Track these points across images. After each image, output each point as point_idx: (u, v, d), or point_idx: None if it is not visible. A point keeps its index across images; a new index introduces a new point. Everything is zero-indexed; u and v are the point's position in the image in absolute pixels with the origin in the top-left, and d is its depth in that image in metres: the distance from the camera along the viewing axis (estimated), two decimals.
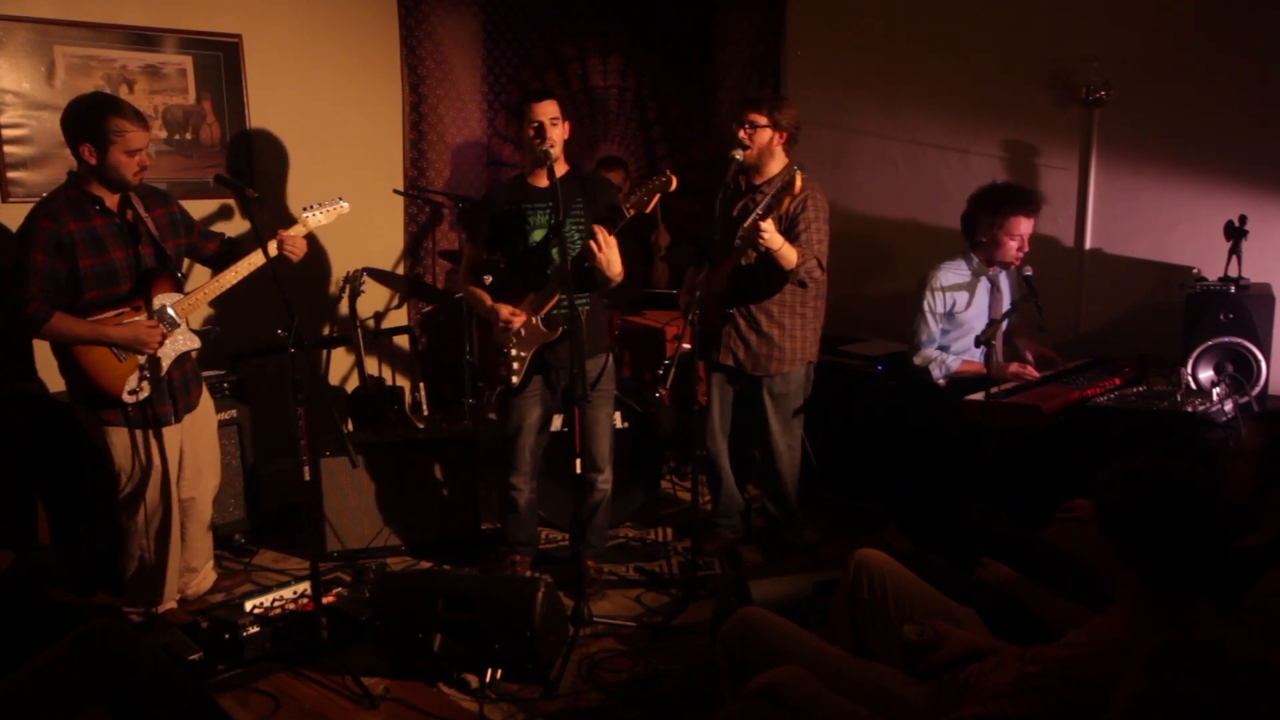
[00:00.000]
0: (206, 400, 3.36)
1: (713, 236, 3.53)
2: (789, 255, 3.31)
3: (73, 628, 2.05)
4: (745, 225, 3.36)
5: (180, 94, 4.00)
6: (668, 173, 3.19)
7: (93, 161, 2.90)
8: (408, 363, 4.87)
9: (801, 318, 3.59)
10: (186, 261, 3.39)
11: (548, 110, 3.24)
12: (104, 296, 2.95)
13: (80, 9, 3.73)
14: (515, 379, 3.38)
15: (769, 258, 3.38)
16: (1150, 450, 1.73)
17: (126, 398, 2.98)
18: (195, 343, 3.16)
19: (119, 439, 3.04)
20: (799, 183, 3.14)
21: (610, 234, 3.17)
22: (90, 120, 2.88)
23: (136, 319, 3.00)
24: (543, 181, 3.33)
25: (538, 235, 3.35)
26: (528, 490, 3.56)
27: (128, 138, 2.90)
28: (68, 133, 2.92)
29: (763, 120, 3.45)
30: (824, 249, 3.47)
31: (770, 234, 3.22)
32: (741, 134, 3.44)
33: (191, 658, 2.83)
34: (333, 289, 4.45)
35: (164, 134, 3.98)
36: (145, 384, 3.01)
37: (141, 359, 3.00)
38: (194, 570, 3.40)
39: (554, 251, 3.33)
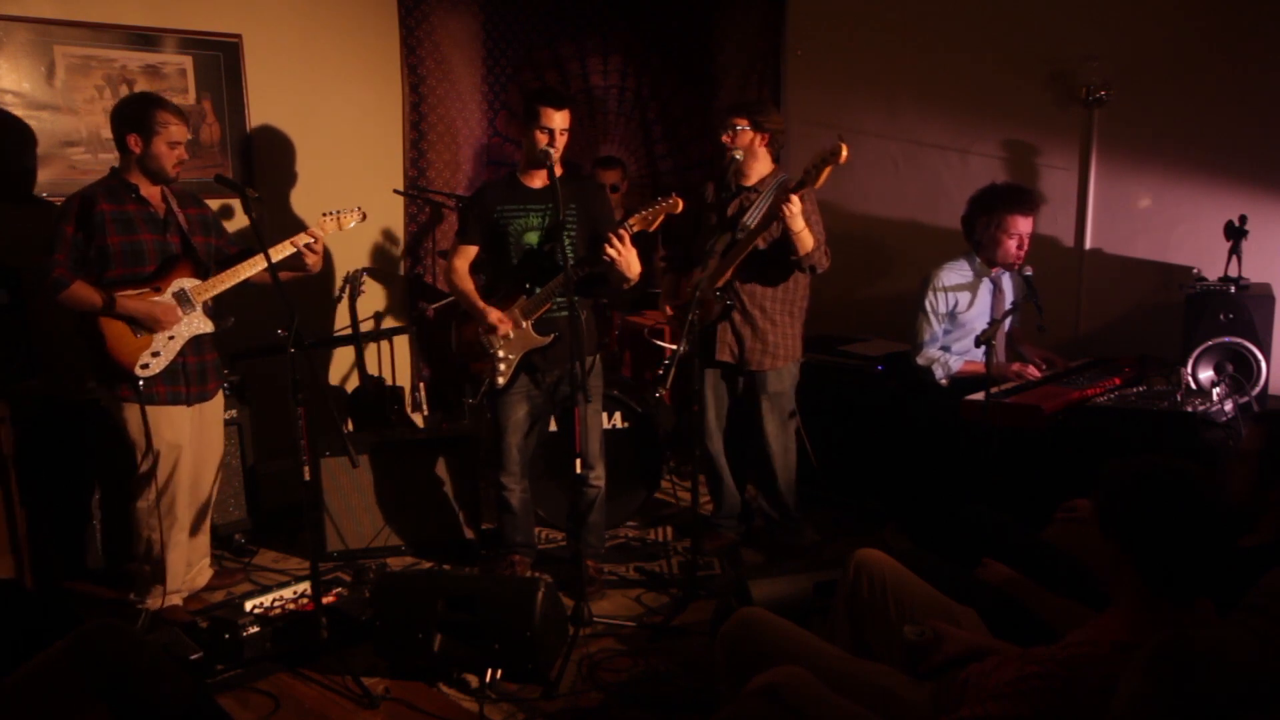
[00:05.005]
0: (220, 399, 3.45)
1: (703, 238, 3.53)
2: (807, 240, 3.31)
3: (72, 628, 2.05)
4: (751, 222, 3.37)
5: (180, 94, 4.00)
6: (674, 196, 3.19)
7: (137, 151, 3.10)
8: (408, 363, 4.86)
9: (792, 316, 3.61)
10: None
11: (565, 120, 3.24)
12: (128, 274, 3.11)
13: (80, 9, 3.72)
14: (501, 380, 3.38)
15: (777, 248, 3.38)
16: (1150, 450, 1.73)
17: (138, 371, 3.10)
18: (209, 326, 3.25)
19: (132, 415, 3.15)
20: (844, 153, 3.08)
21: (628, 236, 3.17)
22: (139, 111, 3.10)
23: (155, 298, 3.13)
24: (537, 182, 3.33)
25: (530, 237, 3.34)
26: (519, 489, 3.56)
27: (171, 130, 3.11)
28: (116, 124, 3.12)
29: (743, 123, 3.45)
30: (823, 235, 3.47)
31: (798, 211, 3.20)
32: (725, 138, 3.46)
33: (192, 658, 2.83)
34: (333, 289, 4.44)
35: None
36: (157, 360, 3.13)
37: (156, 335, 3.13)
38: (189, 564, 3.41)
39: (545, 253, 3.31)
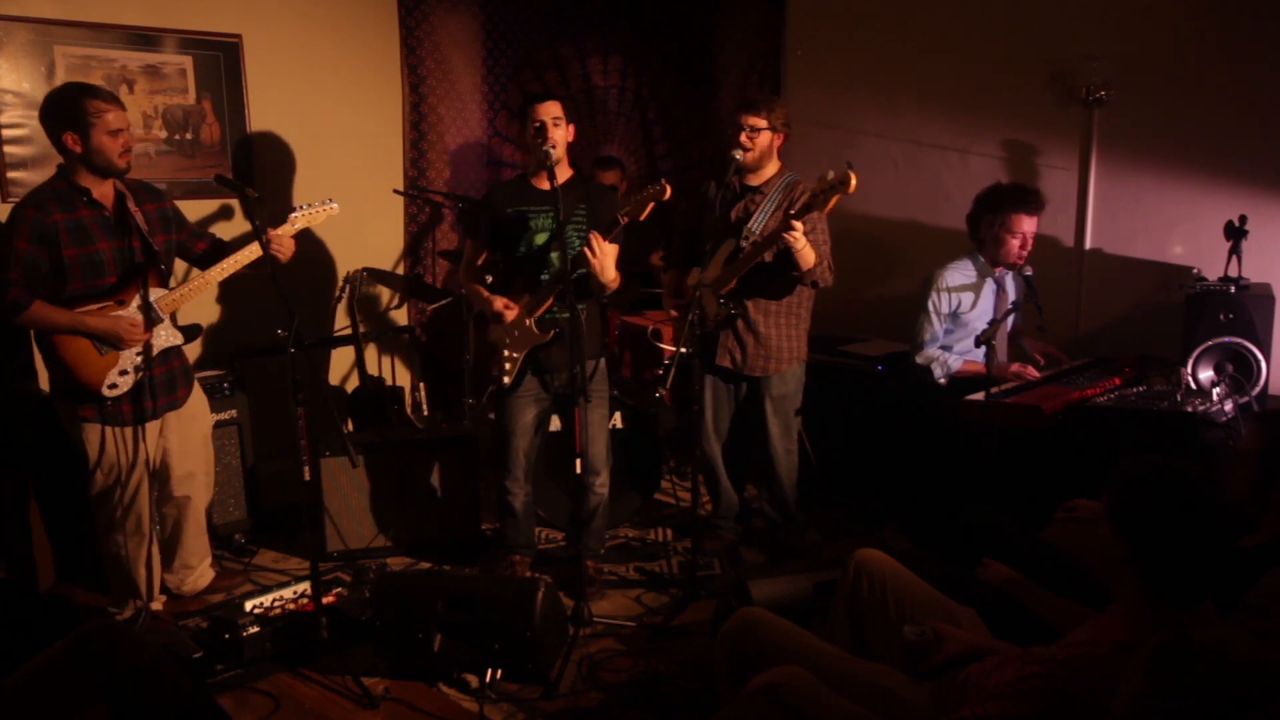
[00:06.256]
0: (197, 399, 3.36)
1: (705, 237, 3.52)
2: (809, 256, 3.30)
3: (72, 628, 2.05)
4: (757, 228, 3.37)
5: (180, 94, 4.00)
6: (662, 181, 3.18)
7: (78, 150, 2.89)
8: (408, 363, 4.87)
9: (797, 318, 3.60)
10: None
11: (550, 110, 3.24)
12: (88, 288, 2.94)
13: (80, 9, 3.72)
14: (507, 379, 3.39)
15: (781, 260, 3.37)
16: (1150, 450, 1.73)
17: (106, 391, 2.97)
18: (178, 339, 3.15)
19: (93, 434, 3.03)
20: (853, 182, 3.04)
21: (605, 240, 3.17)
22: (68, 107, 2.87)
23: (119, 312, 2.99)
24: (545, 183, 3.32)
25: (540, 238, 3.35)
26: (522, 494, 3.56)
27: (107, 118, 2.89)
28: (48, 126, 2.91)
29: (762, 123, 3.44)
30: (829, 249, 3.47)
31: (800, 234, 3.19)
32: (743, 138, 3.43)
33: (192, 658, 2.83)
34: (333, 289, 4.45)
35: (164, 134, 3.98)
36: (125, 379, 3.00)
37: (123, 353, 2.99)
38: (190, 568, 3.41)
39: (553, 255, 3.33)
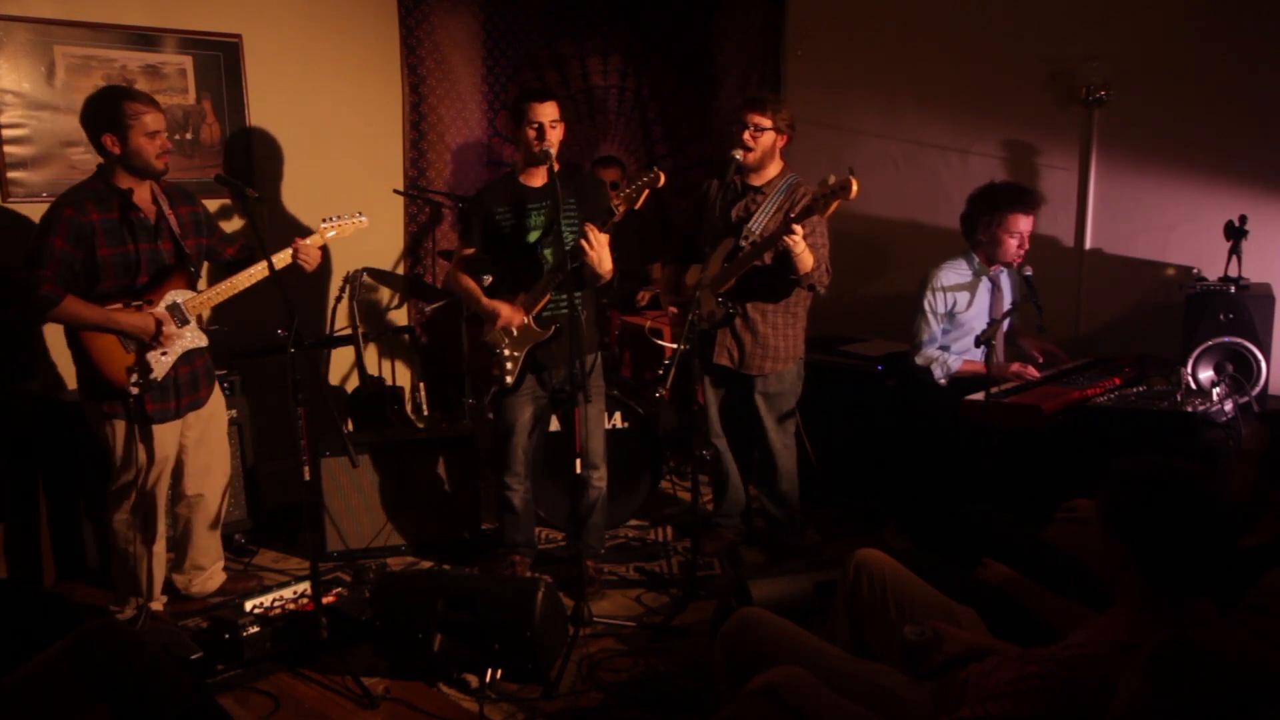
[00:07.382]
0: (217, 398, 3.40)
1: (704, 236, 3.52)
2: (807, 260, 3.30)
3: (72, 628, 2.05)
4: (757, 228, 3.38)
5: (180, 94, 4.00)
6: (655, 169, 3.19)
7: (116, 151, 2.97)
8: (408, 363, 4.87)
9: (794, 317, 3.60)
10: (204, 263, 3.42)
11: (549, 112, 3.24)
12: (119, 286, 3.01)
13: (80, 9, 3.72)
14: (509, 379, 3.39)
15: (780, 263, 3.37)
16: (1150, 450, 1.73)
17: (131, 389, 3.01)
18: (203, 340, 3.20)
19: (118, 431, 3.07)
20: (854, 188, 3.05)
21: (600, 231, 3.17)
22: (107, 109, 2.95)
23: (148, 311, 3.04)
24: (537, 181, 3.34)
25: (533, 236, 3.35)
26: (523, 490, 3.56)
27: (145, 120, 2.97)
28: (89, 128, 2.98)
29: (767, 123, 3.43)
30: (827, 253, 3.47)
31: (799, 238, 3.19)
32: (746, 136, 3.42)
33: (192, 658, 2.83)
34: (333, 289, 4.45)
35: None
36: (150, 376, 3.05)
37: (150, 351, 3.04)
38: (200, 569, 3.41)
39: (546, 252, 3.33)
